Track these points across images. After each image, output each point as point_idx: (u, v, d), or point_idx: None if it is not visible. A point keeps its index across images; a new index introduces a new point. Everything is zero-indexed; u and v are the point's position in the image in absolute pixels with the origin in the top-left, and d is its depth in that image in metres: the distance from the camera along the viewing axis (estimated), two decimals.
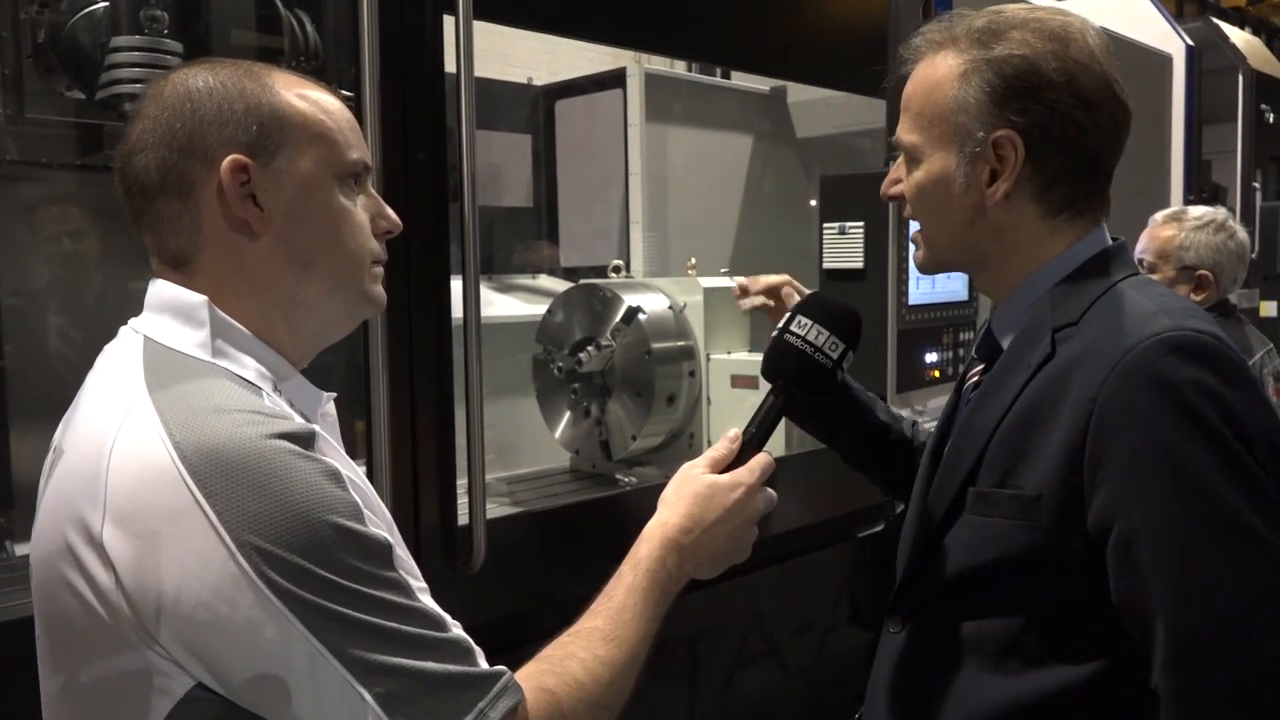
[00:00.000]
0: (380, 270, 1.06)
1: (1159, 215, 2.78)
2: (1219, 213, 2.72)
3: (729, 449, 1.17)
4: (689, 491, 1.14)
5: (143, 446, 0.85)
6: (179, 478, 0.82)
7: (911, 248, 1.29)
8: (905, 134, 1.20)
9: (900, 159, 1.24)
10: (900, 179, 1.23)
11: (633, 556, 1.10)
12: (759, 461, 1.16)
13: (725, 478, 1.14)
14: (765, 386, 2.85)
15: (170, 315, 0.96)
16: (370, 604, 0.85)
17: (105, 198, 2.30)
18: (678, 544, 1.10)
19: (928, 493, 1.27)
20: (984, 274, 1.25)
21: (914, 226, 1.27)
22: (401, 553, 0.92)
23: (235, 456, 0.83)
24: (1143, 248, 2.75)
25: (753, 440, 1.18)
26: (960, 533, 1.16)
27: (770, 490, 1.16)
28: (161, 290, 0.98)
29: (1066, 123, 1.13)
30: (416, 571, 0.95)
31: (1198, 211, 2.72)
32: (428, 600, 0.91)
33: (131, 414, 0.87)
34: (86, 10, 1.95)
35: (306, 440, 0.88)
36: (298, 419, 0.92)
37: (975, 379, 1.26)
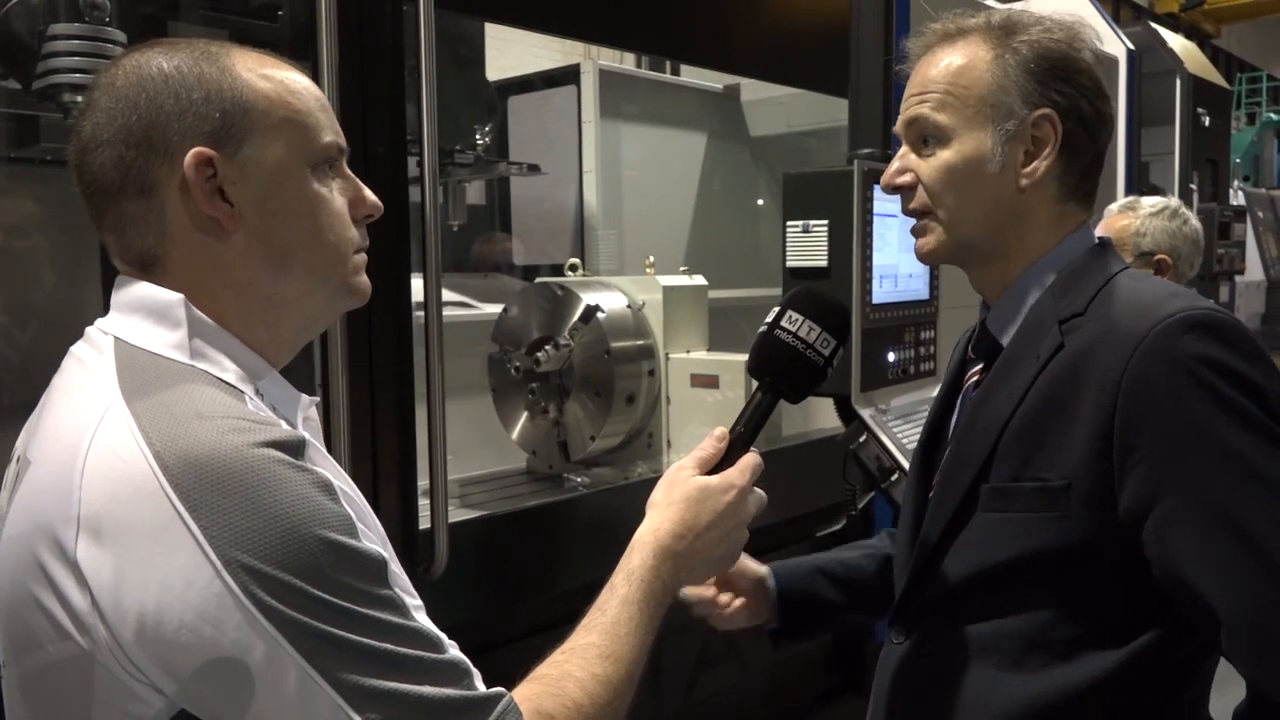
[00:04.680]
0: (363, 258, 0.99)
1: (1113, 206, 2.83)
2: (1172, 201, 2.78)
3: (716, 448, 1.12)
4: (680, 495, 1.08)
5: (119, 456, 0.79)
6: (160, 490, 0.77)
7: (910, 240, 1.25)
8: (933, 114, 1.18)
9: (904, 147, 1.22)
10: (909, 168, 1.20)
11: (625, 566, 1.05)
12: (749, 462, 1.11)
13: (716, 480, 1.09)
14: (728, 384, 2.86)
15: (143, 315, 0.90)
16: (365, 624, 0.79)
17: (41, 193, 2.21)
18: (671, 551, 1.05)
19: (924, 497, 1.24)
20: (990, 264, 1.22)
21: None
22: (395, 568, 0.87)
23: (220, 467, 0.78)
24: None
25: (740, 439, 1.13)
26: (973, 532, 1.14)
27: (760, 491, 1.13)
28: (132, 289, 0.91)
29: (1091, 108, 1.17)
30: (410, 587, 0.88)
31: (1151, 200, 2.77)
32: (423, 619, 0.85)
33: (106, 421, 0.81)
34: None
35: (296, 448, 0.82)
36: (284, 425, 0.86)
37: (975, 378, 1.24)
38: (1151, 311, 1.06)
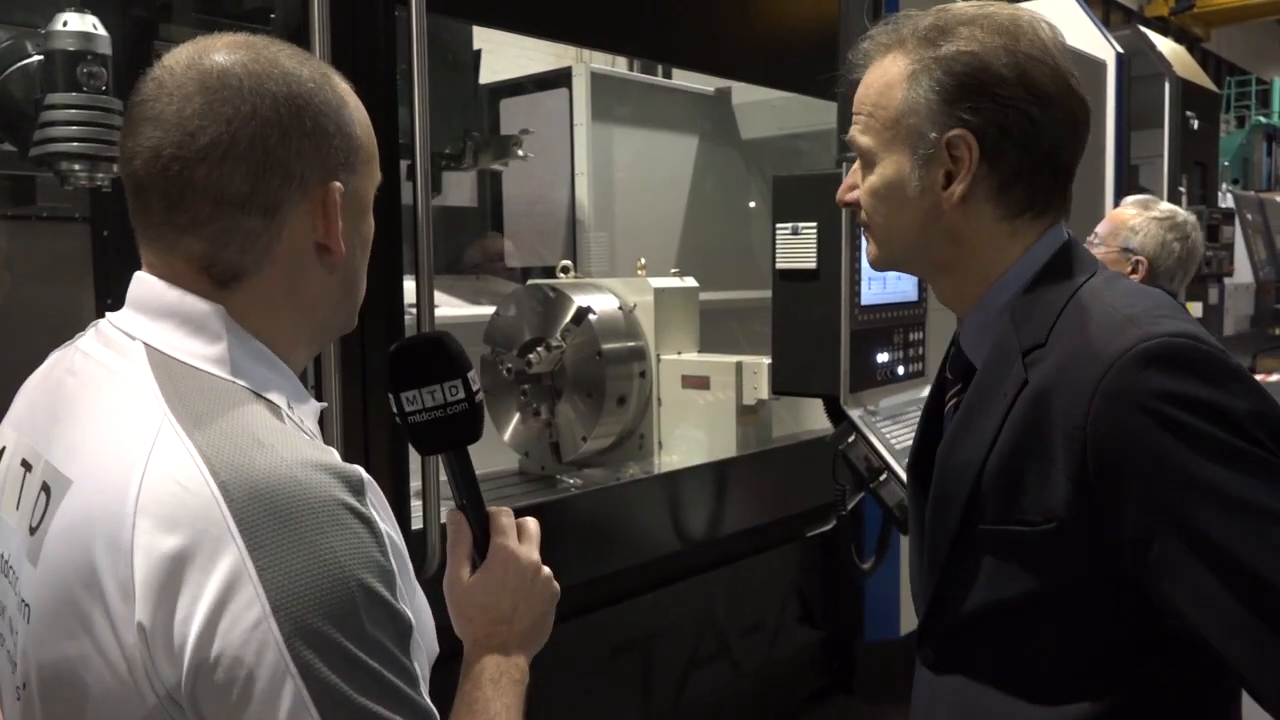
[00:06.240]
0: None
1: (1130, 199, 2.82)
2: (1182, 214, 2.74)
3: (461, 531, 1.07)
4: (467, 609, 1.04)
5: (180, 483, 0.77)
6: (222, 520, 0.75)
7: (865, 243, 1.25)
8: (858, 136, 1.16)
9: (856, 164, 1.20)
10: (856, 184, 1.19)
11: (475, 695, 1.00)
12: (498, 525, 1.07)
13: (479, 573, 1.05)
14: (719, 386, 2.87)
15: (176, 323, 0.87)
16: (384, 694, 0.78)
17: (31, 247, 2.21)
18: (499, 652, 1.02)
19: (923, 519, 1.22)
20: (942, 280, 1.20)
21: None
22: (416, 634, 0.85)
23: (284, 502, 0.76)
24: (1100, 225, 2.78)
25: (471, 505, 1.08)
26: (974, 571, 1.11)
27: (531, 525, 1.09)
28: (161, 292, 0.88)
29: (1021, 119, 1.09)
30: (423, 656, 0.87)
31: (1166, 206, 2.75)
32: (425, 694, 0.84)
33: (161, 444, 0.79)
34: (20, 64, 1.84)
35: (358, 487, 0.81)
36: (336, 455, 0.84)
37: (953, 400, 1.21)
38: (1108, 345, 1.01)
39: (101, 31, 1.82)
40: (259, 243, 0.88)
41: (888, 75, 1.14)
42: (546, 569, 1.08)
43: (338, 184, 0.89)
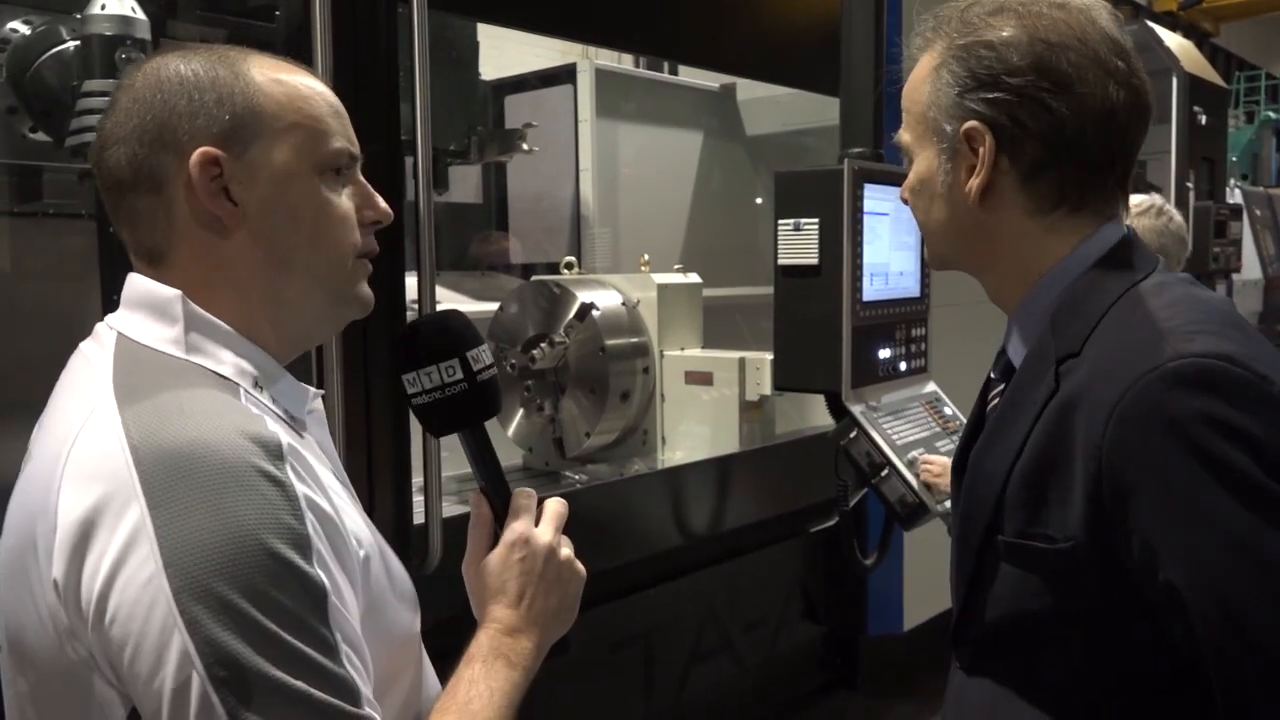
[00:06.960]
0: (367, 267, 1.00)
1: None
2: (1155, 199, 2.81)
3: (482, 513, 1.06)
4: (483, 593, 1.03)
5: (101, 450, 0.81)
6: (130, 482, 0.78)
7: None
8: (901, 133, 1.16)
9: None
10: (909, 184, 1.18)
11: (469, 675, 0.98)
12: (516, 507, 1.05)
13: (493, 557, 1.04)
14: (720, 382, 2.88)
15: (145, 311, 0.92)
16: (285, 660, 0.77)
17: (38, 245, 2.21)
18: (507, 639, 1.00)
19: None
20: (985, 279, 1.17)
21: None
22: (338, 600, 0.82)
23: (189, 462, 0.79)
24: None
25: (493, 487, 1.07)
26: (999, 582, 1.08)
27: (557, 503, 1.07)
28: (136, 285, 0.94)
29: (1037, 108, 1.04)
30: (352, 623, 0.85)
31: (1134, 199, 2.79)
32: (349, 665, 0.81)
33: (93, 418, 0.83)
34: (54, 50, 1.81)
35: (274, 450, 0.82)
36: (270, 423, 0.86)
37: (995, 401, 1.17)
38: (1134, 362, 0.95)
39: (140, 15, 1.77)
40: (156, 220, 0.93)
41: (920, 71, 1.13)
42: (568, 551, 1.07)
43: (207, 149, 0.91)
